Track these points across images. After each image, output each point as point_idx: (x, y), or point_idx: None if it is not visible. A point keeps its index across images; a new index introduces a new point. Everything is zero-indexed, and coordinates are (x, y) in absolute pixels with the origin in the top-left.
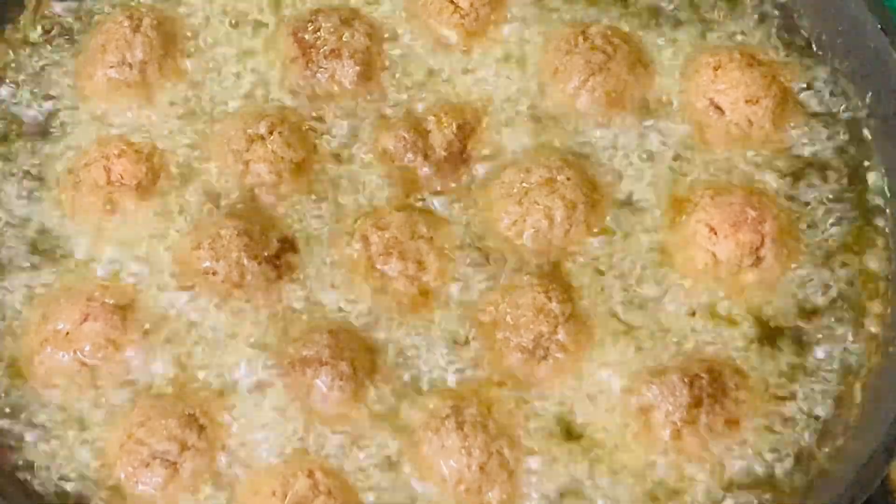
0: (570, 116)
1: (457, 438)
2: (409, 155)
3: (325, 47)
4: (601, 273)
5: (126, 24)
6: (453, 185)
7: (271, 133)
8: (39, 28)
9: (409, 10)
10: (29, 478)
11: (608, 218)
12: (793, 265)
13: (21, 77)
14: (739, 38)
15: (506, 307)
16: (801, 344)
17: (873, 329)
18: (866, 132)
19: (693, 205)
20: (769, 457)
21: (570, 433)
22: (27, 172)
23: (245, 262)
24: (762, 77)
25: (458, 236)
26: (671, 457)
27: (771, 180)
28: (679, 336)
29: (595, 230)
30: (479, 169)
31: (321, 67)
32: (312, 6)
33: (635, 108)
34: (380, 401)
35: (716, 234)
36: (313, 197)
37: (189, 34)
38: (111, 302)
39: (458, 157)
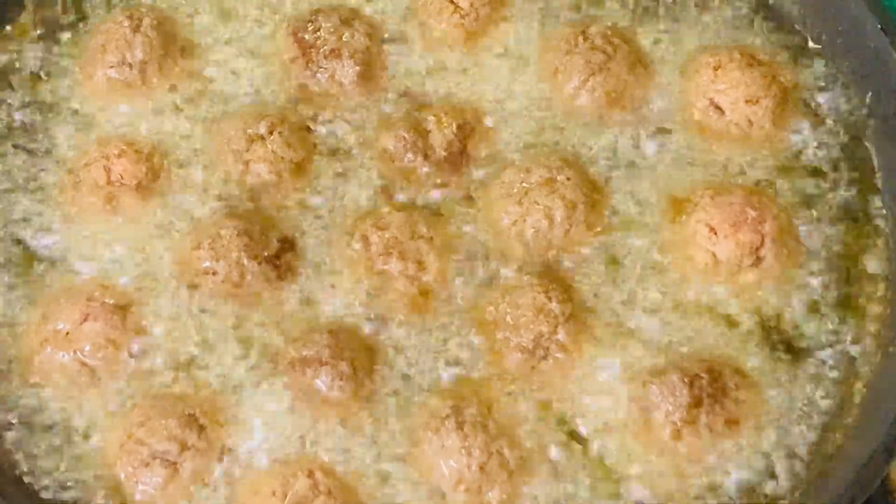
0: (570, 116)
1: (457, 438)
2: (409, 155)
3: (325, 47)
4: (601, 273)
5: (126, 24)
6: (453, 185)
7: (271, 133)
8: (39, 28)
9: (409, 9)
10: (29, 478)
11: (608, 218)
12: (792, 265)
13: (21, 77)
14: (739, 38)
15: (506, 307)
16: (801, 344)
17: (873, 329)
18: (866, 132)
19: (693, 205)
20: (769, 457)
21: (570, 433)
22: (27, 173)
23: (245, 262)
24: (762, 77)
25: (458, 236)
26: (671, 457)
27: (771, 180)
28: (679, 336)
29: (595, 230)
30: (479, 169)
31: (321, 67)
32: (312, 6)
33: (635, 107)
34: (380, 401)
35: (716, 234)
36: (313, 197)
37: (189, 34)
38: (111, 302)
39: (458, 157)
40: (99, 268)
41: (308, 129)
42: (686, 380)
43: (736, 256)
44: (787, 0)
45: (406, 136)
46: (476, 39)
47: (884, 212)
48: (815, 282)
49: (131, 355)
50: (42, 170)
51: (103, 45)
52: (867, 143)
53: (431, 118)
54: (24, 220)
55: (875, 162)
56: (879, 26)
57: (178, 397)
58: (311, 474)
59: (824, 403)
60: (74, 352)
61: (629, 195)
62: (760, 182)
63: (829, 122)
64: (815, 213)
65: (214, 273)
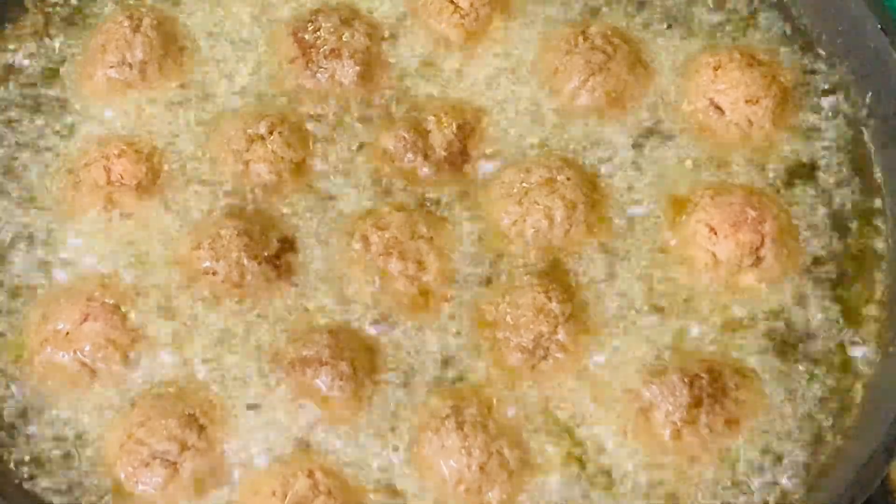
0: (570, 116)
1: (457, 438)
2: (409, 155)
3: (325, 47)
4: (601, 273)
5: (126, 24)
6: (453, 185)
7: (271, 133)
8: (39, 28)
9: (409, 9)
10: (28, 478)
11: (608, 218)
12: (792, 265)
13: (20, 77)
14: (740, 38)
15: (506, 307)
16: (801, 344)
17: (873, 329)
18: (866, 132)
19: (693, 205)
20: (769, 457)
21: (569, 433)
22: (27, 173)
23: (245, 262)
24: (762, 77)
25: (458, 236)
26: (671, 457)
27: (771, 180)
28: (679, 336)
29: (595, 230)
30: (479, 169)
31: (321, 67)
32: (312, 6)
33: (635, 107)
34: (380, 401)
35: (716, 234)
36: (313, 197)
37: (189, 34)
38: (111, 302)
39: (458, 157)
40: (99, 267)
41: (308, 129)
42: (686, 380)
43: (736, 256)
44: (788, 0)
45: (406, 136)
46: (476, 39)
47: (884, 212)
48: (815, 282)
49: (131, 355)
50: (41, 170)
51: (103, 45)
52: (867, 143)
53: (431, 118)
54: (24, 219)
55: (875, 162)
56: (879, 26)
57: (178, 397)
58: (311, 474)
59: (824, 403)
60: (74, 352)
61: (629, 195)
62: (760, 182)
63: (829, 122)
64: (815, 213)
65: (214, 273)
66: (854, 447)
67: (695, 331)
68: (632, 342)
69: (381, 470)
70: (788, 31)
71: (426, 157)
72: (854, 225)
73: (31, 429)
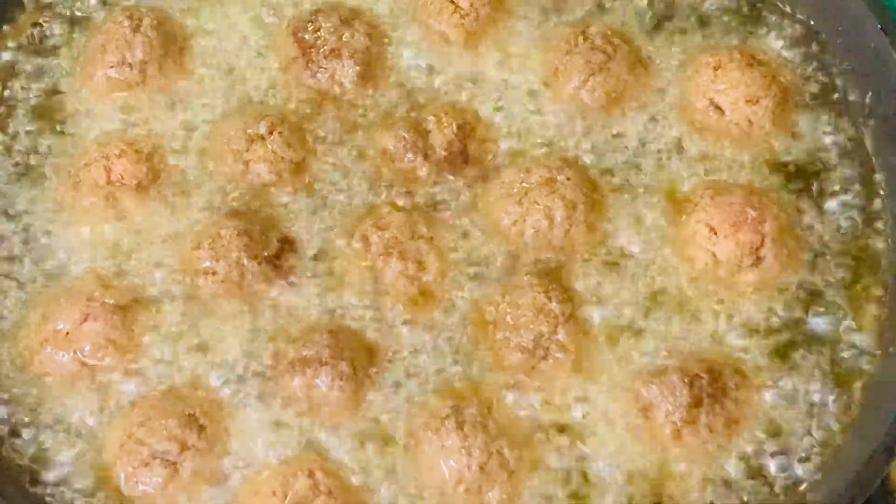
0: (570, 116)
1: (457, 438)
2: (410, 155)
3: (325, 47)
4: (601, 273)
5: (126, 24)
6: (453, 185)
7: (271, 133)
8: (38, 28)
9: (409, 9)
10: (28, 478)
11: (608, 218)
12: (792, 265)
13: (20, 77)
14: (740, 38)
15: (506, 307)
16: (801, 344)
17: (873, 329)
18: (866, 132)
19: (693, 205)
20: (769, 457)
21: (569, 433)
22: (27, 173)
23: (245, 262)
24: (762, 77)
25: (458, 236)
26: (671, 456)
27: (771, 180)
28: (679, 336)
29: (595, 230)
30: (479, 169)
31: (321, 67)
32: (312, 6)
33: (635, 107)
34: (380, 401)
35: (716, 234)
36: (313, 196)
37: (189, 34)
38: (111, 302)
39: (458, 157)
40: (99, 267)
41: (308, 129)
42: (686, 380)
43: (736, 256)
44: (787, 0)
45: (406, 136)
46: (476, 39)
47: (883, 213)
48: (814, 282)
49: (131, 355)
50: (41, 170)
51: (103, 45)
52: (867, 143)
53: (431, 118)
54: (24, 219)
55: (875, 162)
56: (879, 26)
57: (178, 397)
58: (311, 474)
59: (824, 403)
60: (74, 352)
61: (629, 195)
62: (761, 182)
63: (829, 122)
64: (814, 212)
65: (214, 273)
66: (854, 447)
67: (695, 331)
68: (631, 342)
69: (382, 470)
70: (788, 31)
71: (426, 157)
72: (854, 225)
73: (31, 429)
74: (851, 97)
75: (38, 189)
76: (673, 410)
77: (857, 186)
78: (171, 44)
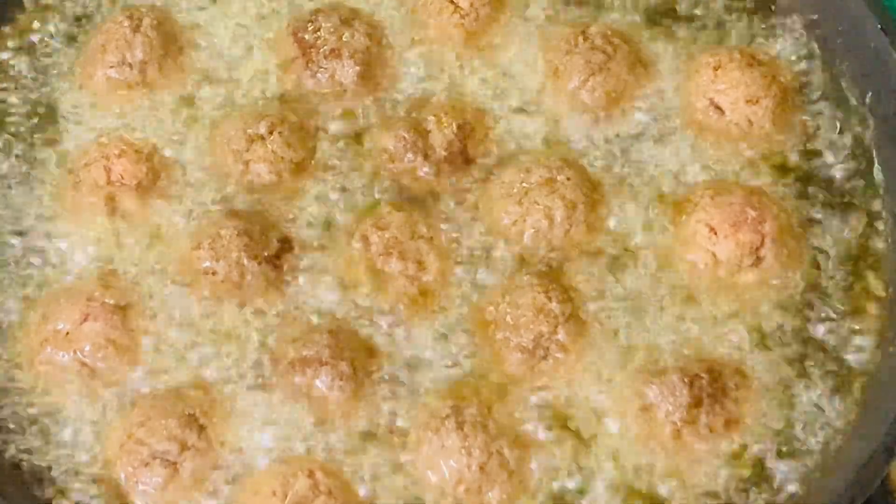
0: (570, 116)
1: (457, 438)
2: (409, 155)
3: (325, 47)
4: (601, 273)
5: (126, 24)
6: (453, 185)
7: (271, 133)
8: (38, 28)
9: (409, 9)
10: (28, 477)
11: (608, 218)
12: (792, 265)
13: (20, 77)
14: (739, 38)
15: (506, 307)
16: (801, 344)
17: (873, 329)
18: (866, 132)
19: (693, 205)
20: (769, 457)
21: (569, 433)
22: (27, 172)
23: (245, 262)
24: (762, 77)
25: (458, 236)
26: (671, 456)
27: (771, 180)
28: (679, 336)
29: (595, 230)
30: (479, 169)
31: (321, 67)
32: (312, 6)
33: (635, 107)
34: (380, 401)
35: (716, 234)
36: (313, 196)
37: (189, 34)
38: (111, 302)
39: (459, 156)
40: (99, 267)
41: (308, 128)
42: (686, 380)
43: (736, 256)
44: (788, 0)
45: (406, 136)
46: (476, 39)
47: (883, 213)
48: (814, 282)
49: (131, 355)
50: (41, 170)
51: (103, 45)
52: (867, 144)
53: (431, 118)
54: (24, 219)
55: (875, 162)
56: (879, 26)
57: (178, 397)
58: (311, 474)
59: (824, 403)
60: (74, 352)
61: (629, 195)
62: (761, 182)
63: (829, 122)
64: (814, 213)
65: (214, 273)
66: (854, 447)
67: (695, 331)
68: (631, 342)
69: (382, 470)
70: (788, 32)
71: (426, 157)
72: (854, 225)
73: (32, 429)
74: (851, 97)
75: (38, 189)
76: (673, 410)
77: (856, 186)
78: (171, 44)
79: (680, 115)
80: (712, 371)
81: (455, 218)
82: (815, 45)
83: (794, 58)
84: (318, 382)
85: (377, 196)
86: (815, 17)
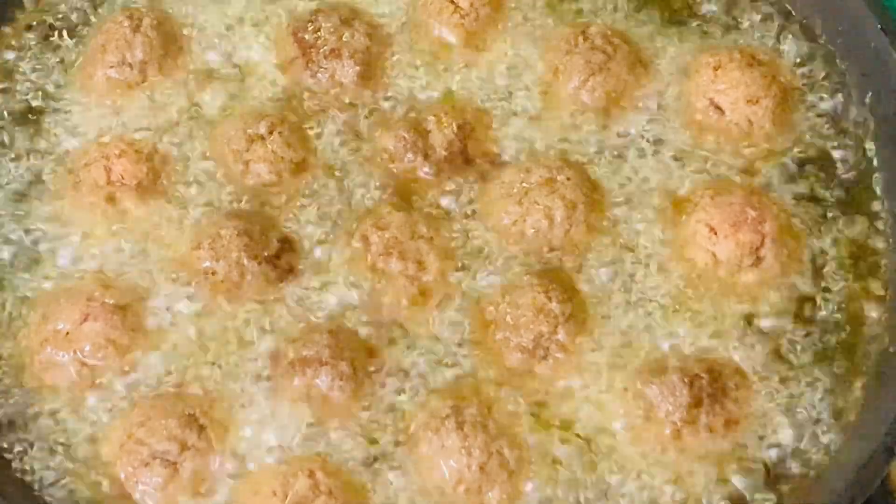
0: (570, 116)
1: (457, 438)
2: (410, 155)
3: (325, 47)
4: (601, 273)
5: (126, 24)
6: (453, 184)
7: (271, 133)
8: (38, 28)
9: (409, 9)
10: (28, 478)
11: (608, 218)
12: (792, 265)
13: (20, 77)
14: (740, 38)
15: (506, 307)
16: (801, 344)
17: (873, 329)
18: (866, 132)
19: (693, 205)
20: (769, 457)
21: (569, 433)
22: (27, 172)
23: (245, 262)
24: (762, 77)
25: (458, 236)
26: (671, 456)
27: (771, 180)
28: (679, 336)
29: (595, 230)
30: (479, 169)
31: (321, 67)
32: (312, 6)
33: (635, 107)
34: (380, 401)
35: (716, 234)
36: (313, 196)
37: (189, 34)
38: (111, 302)
39: (459, 156)
40: (99, 267)
41: (308, 128)
42: (686, 380)
43: (736, 256)
44: (788, 0)
45: (406, 136)
46: (476, 39)
47: (883, 213)
48: (814, 282)
49: (131, 355)
50: (42, 170)
51: (103, 45)
52: (867, 144)
53: (431, 118)
54: (24, 219)
55: (875, 162)
56: (879, 26)
57: (178, 397)
58: (311, 474)
59: (824, 403)
60: (74, 352)
61: (629, 195)
62: (761, 182)
63: (829, 122)
64: (814, 213)
65: (214, 273)
66: (854, 447)
67: (695, 331)
68: (632, 342)
69: (382, 470)
70: (789, 32)
71: (426, 157)
72: (854, 225)
73: (32, 429)
74: (851, 97)
75: (38, 189)
76: (673, 410)
77: (856, 186)
78: (171, 44)
79: (680, 114)
80: (712, 371)
81: (455, 218)
82: (815, 46)
83: (794, 58)
84: (318, 382)
85: (377, 196)
86: (816, 17)
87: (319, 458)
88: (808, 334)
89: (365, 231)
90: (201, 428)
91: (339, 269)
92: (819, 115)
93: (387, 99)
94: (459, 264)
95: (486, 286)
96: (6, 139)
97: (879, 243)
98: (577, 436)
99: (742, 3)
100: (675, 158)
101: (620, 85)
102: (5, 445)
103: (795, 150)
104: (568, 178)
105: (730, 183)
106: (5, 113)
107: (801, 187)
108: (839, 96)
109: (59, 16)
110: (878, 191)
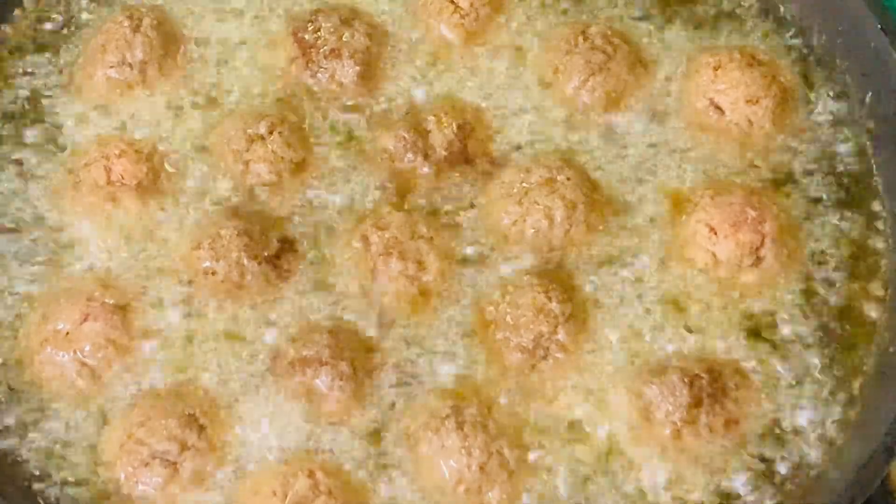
0: (570, 116)
1: (457, 438)
2: (410, 155)
3: (325, 47)
4: (601, 273)
5: (126, 24)
6: (453, 184)
7: (271, 133)
8: (38, 28)
9: (409, 9)
10: (28, 477)
11: (608, 218)
12: (792, 265)
13: (20, 77)
14: (740, 38)
15: (506, 307)
16: (801, 343)
17: (873, 329)
18: (866, 132)
19: (693, 205)
20: (769, 457)
21: (569, 433)
22: (27, 172)
23: (245, 262)
24: (762, 77)
25: (458, 236)
26: (671, 456)
27: (771, 180)
28: (679, 336)
29: (595, 230)
30: (479, 169)
31: (321, 67)
32: (312, 6)
33: (635, 107)
34: (380, 401)
35: (716, 234)
36: (313, 196)
37: (189, 34)
38: (111, 302)
39: (459, 156)
40: (99, 267)
41: (308, 129)
42: (686, 380)
43: (736, 256)
44: (787, 0)
45: (406, 136)
46: (476, 39)
47: (883, 213)
48: (814, 282)
49: (131, 355)
50: (42, 170)
51: (103, 45)
52: (867, 144)
53: (431, 118)
54: (24, 219)
55: (875, 162)
56: (879, 26)
57: (178, 397)
58: (311, 474)
59: (824, 403)
60: (74, 352)
61: (629, 195)
62: (760, 182)
63: (829, 122)
64: (814, 213)
65: (214, 273)
66: (854, 447)
67: (695, 331)
68: (632, 342)
69: (382, 470)
70: (788, 31)
71: (426, 157)
72: (854, 225)
73: (31, 429)
74: (851, 97)
75: (39, 189)
76: (673, 410)
77: (856, 186)
78: (171, 44)
79: (680, 115)
80: (712, 371)
81: (455, 218)
82: (816, 46)
83: (794, 58)
84: (318, 382)
85: (377, 196)
86: (815, 17)
87: (319, 458)
88: (807, 334)
89: (365, 231)
90: (201, 428)
91: (339, 269)
92: (818, 116)
93: (387, 99)
94: (459, 264)
95: (486, 286)
96: (6, 139)
97: (879, 243)
98: (577, 435)
99: (742, 2)
100: (675, 158)
101: (620, 85)
102: (5, 446)
103: (795, 149)
104: (568, 178)
105: (730, 183)
106: (4, 112)
107: (801, 187)
108: (839, 96)
109: (60, 15)
110: (878, 191)
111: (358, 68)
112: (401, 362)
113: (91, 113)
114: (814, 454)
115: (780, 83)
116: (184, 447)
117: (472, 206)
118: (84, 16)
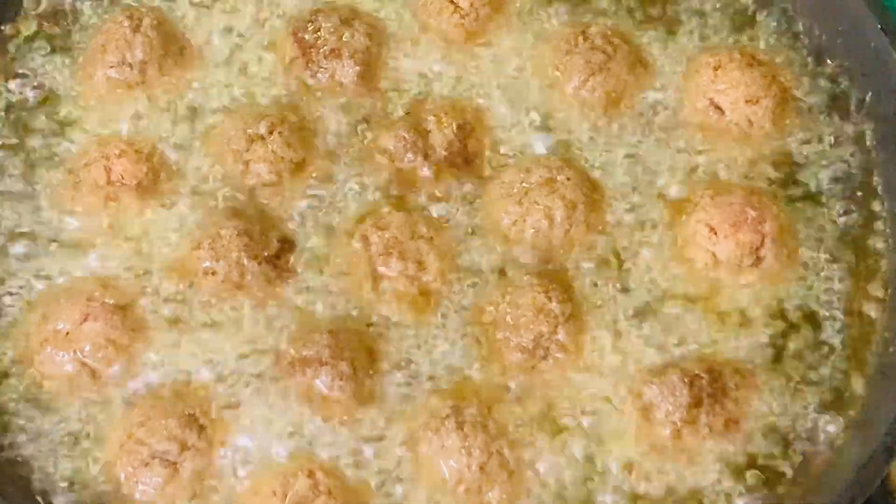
0: (569, 116)
1: (457, 438)
2: (410, 155)
3: (325, 47)
4: (601, 273)
5: (126, 24)
6: (453, 185)
7: (271, 133)
8: (39, 28)
9: (409, 9)
10: (28, 477)
11: (608, 218)
12: (792, 265)
13: (20, 77)
14: (740, 38)
15: (506, 307)
16: (801, 343)
17: (873, 329)
18: (866, 132)
19: (693, 205)
20: (769, 457)
21: (570, 433)
22: (27, 172)
23: (245, 262)
24: (762, 77)
25: (458, 236)
26: (671, 456)
27: (771, 180)
28: (679, 336)
29: (595, 230)
30: (479, 169)
31: (321, 67)
32: (312, 6)
33: (635, 107)
34: (380, 401)
35: (716, 234)
36: (313, 196)
37: (189, 34)
38: (111, 302)
39: (459, 156)
40: (99, 267)
41: (308, 129)
42: (686, 380)
43: (736, 256)
44: (787, 0)
45: (406, 136)
46: (476, 39)
47: (883, 213)
48: (814, 282)
49: (131, 355)
50: (41, 170)
51: (103, 45)
52: (867, 144)
53: (431, 118)
54: (24, 218)
55: (875, 162)
56: (879, 26)
57: (178, 397)
58: (311, 474)
59: (824, 404)
60: (74, 352)
61: (629, 195)
62: (761, 182)
63: (829, 122)
64: (814, 213)
65: (214, 273)
66: (854, 447)
67: (695, 330)
68: (632, 342)
69: (382, 470)
70: (788, 32)
71: (426, 157)
72: (854, 225)
73: (32, 429)
74: (851, 97)
75: (38, 188)
76: (673, 410)
77: (856, 186)
78: (171, 44)
79: (680, 115)
80: (712, 371)
81: (455, 218)
82: (815, 46)
83: (794, 58)
84: (318, 382)
85: (377, 196)
86: (815, 17)
87: (319, 458)
88: (808, 334)
89: (365, 231)
90: (201, 428)
91: (339, 269)
92: (819, 115)
93: (386, 99)
94: (459, 264)
95: (486, 286)
96: (5, 138)
97: (879, 243)
98: (577, 435)
99: (742, 2)
100: (675, 158)
101: (620, 85)
102: (5, 445)
103: (795, 149)
104: (568, 178)
105: (730, 183)
106: (4, 112)
107: (801, 187)
108: (839, 96)
109: (59, 15)
110: (879, 191)
111: (358, 68)
112: (401, 362)
113: (91, 113)
114: (814, 454)
115: (780, 83)
116: (184, 447)
117: (472, 205)
118: (84, 16)
